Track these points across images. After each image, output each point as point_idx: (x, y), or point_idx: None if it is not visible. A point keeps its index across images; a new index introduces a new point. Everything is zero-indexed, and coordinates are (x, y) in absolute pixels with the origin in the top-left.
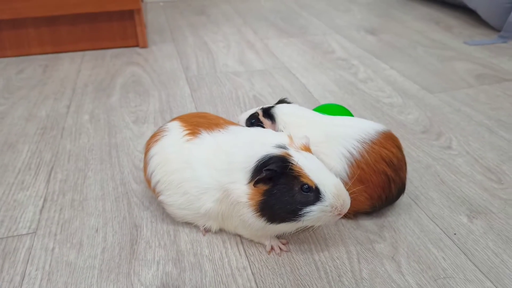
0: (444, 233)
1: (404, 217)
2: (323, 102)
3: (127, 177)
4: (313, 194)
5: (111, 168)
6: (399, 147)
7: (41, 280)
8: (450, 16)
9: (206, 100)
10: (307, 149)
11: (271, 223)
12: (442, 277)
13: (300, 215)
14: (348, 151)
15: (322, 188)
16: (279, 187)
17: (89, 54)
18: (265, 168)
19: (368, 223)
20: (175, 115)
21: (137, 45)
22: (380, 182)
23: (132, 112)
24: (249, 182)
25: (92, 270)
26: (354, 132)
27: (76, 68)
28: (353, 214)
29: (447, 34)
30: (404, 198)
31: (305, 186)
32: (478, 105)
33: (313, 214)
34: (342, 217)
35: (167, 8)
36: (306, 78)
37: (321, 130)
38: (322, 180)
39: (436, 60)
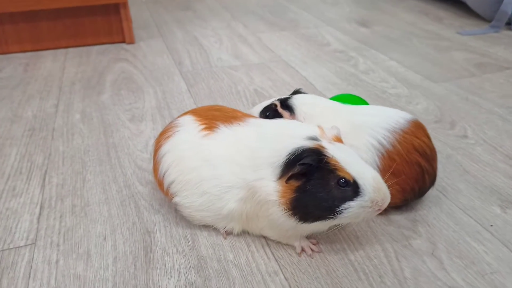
0: (480, 225)
1: (435, 210)
2: (327, 94)
3: (130, 178)
4: (351, 188)
5: (112, 170)
6: (429, 137)
7: None
8: (439, 8)
9: (205, 95)
10: (339, 140)
11: (304, 222)
12: (488, 272)
13: (337, 212)
14: (378, 142)
15: (360, 181)
16: (313, 182)
17: (72, 51)
18: (299, 163)
19: (399, 218)
20: (173, 112)
21: (123, 41)
22: (413, 173)
23: (127, 110)
24: (280, 178)
25: (105, 283)
26: (382, 121)
27: (59, 66)
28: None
29: (439, 25)
30: (431, 190)
31: (342, 180)
32: (485, 93)
33: (352, 210)
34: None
35: (150, 3)
36: (306, 71)
37: (346, 120)
38: (360, 173)
39: (433, 50)
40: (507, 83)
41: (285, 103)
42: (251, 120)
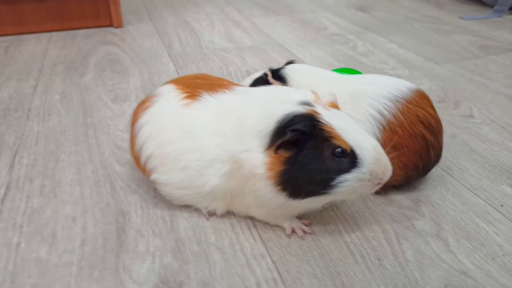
0: (490, 205)
1: (440, 189)
2: None
3: (108, 158)
4: (348, 159)
5: (89, 150)
6: (434, 108)
7: (2, 284)
8: None
9: None
10: (335, 106)
11: (295, 198)
12: (500, 254)
13: (332, 186)
14: (379, 112)
15: (358, 151)
16: (306, 152)
17: (57, 35)
18: (289, 129)
19: (400, 198)
20: None
21: (111, 25)
22: (417, 147)
23: (110, 90)
24: (268, 148)
25: (70, 267)
26: (384, 90)
27: (42, 49)
28: (383, 188)
29: (440, 11)
30: (435, 170)
31: (338, 150)
32: (491, 74)
33: (349, 184)
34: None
35: None
36: (302, 53)
37: (345, 90)
38: (358, 141)
39: (435, 34)
40: None
41: (277, 73)
42: (238, 88)
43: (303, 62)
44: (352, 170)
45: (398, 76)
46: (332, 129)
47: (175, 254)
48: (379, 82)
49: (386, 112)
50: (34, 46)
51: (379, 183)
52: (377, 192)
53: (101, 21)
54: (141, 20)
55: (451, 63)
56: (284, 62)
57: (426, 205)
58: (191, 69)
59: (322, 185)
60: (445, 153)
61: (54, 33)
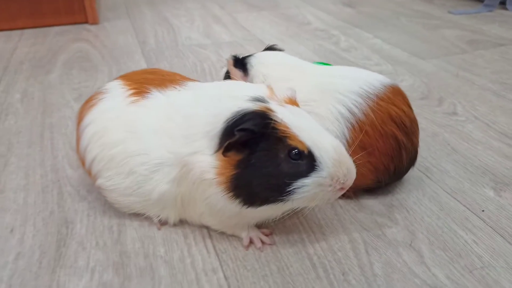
0: (470, 210)
1: (416, 193)
2: None
3: (60, 162)
4: (306, 161)
5: (41, 152)
6: (409, 106)
7: None
8: None
9: None
10: (293, 103)
11: (249, 206)
12: (478, 267)
13: (289, 193)
14: (348, 110)
15: (317, 152)
16: (259, 154)
17: (28, 32)
18: (237, 128)
19: (372, 203)
20: None
21: (86, 22)
22: (388, 149)
23: (75, 89)
24: (217, 150)
25: None
26: (354, 85)
27: (11, 46)
28: (353, 191)
29: (429, 6)
30: (412, 172)
31: (295, 151)
32: (477, 69)
33: (307, 189)
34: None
35: None
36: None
37: (312, 84)
38: (316, 141)
39: (422, 29)
40: (502, 59)
41: (240, 61)
42: (191, 83)
43: None
44: (311, 174)
45: (380, 72)
46: (287, 128)
47: (117, 269)
48: (351, 75)
49: (355, 110)
50: (2, 44)
51: (342, 188)
52: (348, 197)
53: (76, 17)
54: (119, 16)
55: (437, 58)
56: None
57: (400, 210)
58: (164, 66)
59: (277, 191)
60: (424, 153)
61: (26, 31)
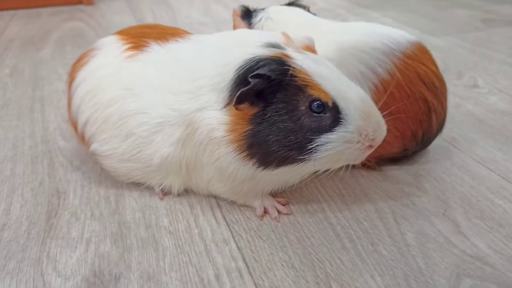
0: (504, 179)
1: (444, 163)
2: None
3: (52, 133)
4: (330, 114)
5: (31, 124)
6: (437, 66)
7: None
8: None
9: None
10: (312, 50)
11: (265, 168)
12: None
13: (311, 151)
14: (371, 69)
15: (342, 104)
16: (276, 107)
17: (20, 12)
18: (251, 75)
19: (397, 173)
20: None
21: (80, 2)
22: (417, 112)
23: (68, 64)
24: (227, 103)
25: None
26: (377, 41)
27: (2, 25)
28: (376, 161)
29: None
30: (437, 141)
31: (317, 103)
32: (494, 46)
33: (332, 147)
34: (359, 166)
35: None
36: None
37: (330, 40)
38: (341, 92)
39: (432, 9)
40: None
41: (248, 13)
42: (196, 36)
43: None
44: (336, 128)
45: None
46: (308, 76)
47: (115, 240)
48: (372, 32)
49: (379, 69)
50: None
51: (370, 146)
52: (369, 167)
53: None
54: None
55: (450, 35)
56: None
57: (428, 180)
58: None
59: (297, 149)
60: (448, 124)
61: (18, 11)
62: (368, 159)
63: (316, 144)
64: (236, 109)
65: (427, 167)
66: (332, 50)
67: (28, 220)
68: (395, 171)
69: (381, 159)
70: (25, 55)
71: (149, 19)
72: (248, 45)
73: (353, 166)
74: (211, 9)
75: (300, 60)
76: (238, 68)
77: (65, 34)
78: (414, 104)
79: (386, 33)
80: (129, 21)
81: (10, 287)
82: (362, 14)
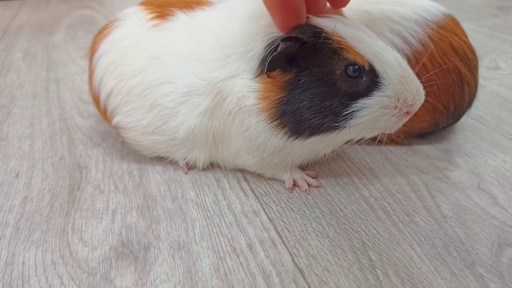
0: None
1: (474, 139)
2: None
3: (69, 112)
4: (367, 78)
5: (47, 104)
6: (467, 37)
7: None
8: None
9: None
10: (341, 15)
11: (297, 137)
12: None
13: (347, 117)
14: (402, 39)
15: (380, 67)
16: (309, 72)
17: (30, 1)
18: (282, 38)
19: (426, 148)
20: None
21: None
22: (449, 84)
23: (81, 48)
24: (258, 72)
25: (3, 228)
26: (409, 11)
27: (11, 13)
28: (405, 136)
29: None
30: (464, 119)
31: (353, 67)
32: None
33: (368, 112)
34: (387, 142)
35: None
36: None
37: (358, 9)
38: (378, 55)
39: None
40: None
41: None
42: (221, 4)
43: None
44: (373, 93)
45: None
46: (342, 38)
47: (142, 212)
48: (404, 1)
49: (412, 39)
50: (2, 11)
51: (407, 113)
52: (398, 142)
53: None
54: None
55: (467, 21)
56: None
57: (459, 155)
58: None
59: (332, 115)
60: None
61: (27, 0)
62: (396, 134)
63: (352, 109)
64: (268, 76)
65: (456, 143)
66: (362, 20)
67: (50, 193)
68: (424, 147)
69: (410, 134)
70: (37, 40)
71: None
72: None
73: (380, 142)
74: None
75: (332, 23)
76: (268, 34)
77: (76, 21)
78: (447, 76)
79: (417, 2)
80: None
81: (36, 256)
82: None
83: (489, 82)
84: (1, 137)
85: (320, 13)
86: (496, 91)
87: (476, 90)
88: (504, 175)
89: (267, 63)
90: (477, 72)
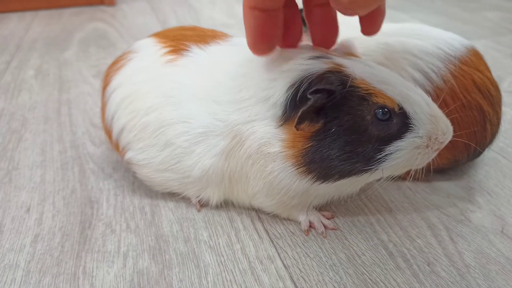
0: None
1: (495, 175)
2: None
3: (81, 138)
4: (397, 120)
5: (59, 128)
6: (491, 72)
7: None
8: None
9: None
10: (354, 56)
11: (324, 181)
12: None
13: (380, 160)
14: (423, 75)
15: (409, 108)
16: (339, 121)
17: (42, 13)
18: (311, 90)
19: (446, 185)
20: None
21: (102, 3)
22: (471, 122)
23: (93, 66)
24: (283, 122)
25: (13, 271)
26: (431, 45)
27: (24, 26)
28: (424, 172)
29: None
30: (486, 152)
31: (383, 110)
32: None
33: (402, 154)
34: (404, 177)
35: None
36: None
37: (378, 44)
38: (406, 96)
39: (461, 11)
40: None
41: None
42: (237, 39)
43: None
44: (405, 135)
45: None
46: (368, 84)
47: (154, 255)
48: (425, 34)
49: (433, 75)
50: (15, 23)
51: (438, 149)
52: (416, 178)
53: None
54: None
55: (485, 38)
56: None
57: (481, 193)
58: None
59: (365, 160)
60: None
61: (40, 12)
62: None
63: (386, 153)
64: (297, 129)
65: (477, 179)
66: (383, 52)
67: (61, 231)
68: (444, 183)
69: (429, 171)
70: (49, 56)
71: (172, 21)
72: (295, 58)
73: (404, 179)
74: (235, 10)
75: (354, 68)
76: (293, 84)
77: (88, 35)
78: (468, 114)
79: (438, 35)
80: (152, 23)
81: None
82: (389, 16)
83: (509, 108)
84: (13, 166)
85: (296, 40)
86: None
87: (498, 128)
88: None
89: (297, 118)
90: (500, 109)
